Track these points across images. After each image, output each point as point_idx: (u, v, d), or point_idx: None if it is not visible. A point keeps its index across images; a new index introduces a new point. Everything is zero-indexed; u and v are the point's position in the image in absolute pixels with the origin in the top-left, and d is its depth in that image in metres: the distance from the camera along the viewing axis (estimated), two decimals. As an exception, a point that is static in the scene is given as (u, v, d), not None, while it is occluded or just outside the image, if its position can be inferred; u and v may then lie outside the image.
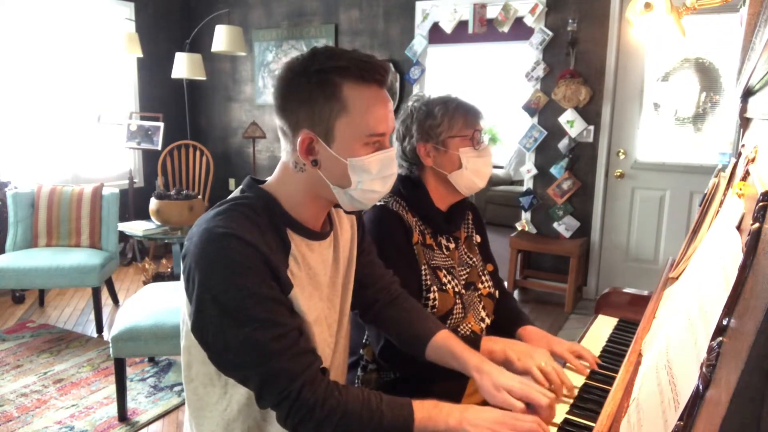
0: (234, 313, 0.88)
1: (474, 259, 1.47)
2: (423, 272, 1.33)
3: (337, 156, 0.93)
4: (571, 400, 1.11)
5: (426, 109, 1.37)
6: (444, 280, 1.36)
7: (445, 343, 1.12)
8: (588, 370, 1.23)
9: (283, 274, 0.93)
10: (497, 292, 1.49)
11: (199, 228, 0.92)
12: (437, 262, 1.38)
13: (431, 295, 1.32)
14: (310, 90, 0.92)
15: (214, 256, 0.89)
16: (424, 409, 0.93)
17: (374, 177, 0.95)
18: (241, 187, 1.02)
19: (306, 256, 1.00)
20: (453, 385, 1.28)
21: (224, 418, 0.99)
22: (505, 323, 1.46)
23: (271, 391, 0.90)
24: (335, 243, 1.09)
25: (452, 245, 1.43)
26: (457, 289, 1.37)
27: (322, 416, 0.89)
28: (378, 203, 1.37)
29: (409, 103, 1.41)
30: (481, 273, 1.47)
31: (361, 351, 1.38)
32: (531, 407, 0.99)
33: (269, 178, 1.02)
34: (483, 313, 1.43)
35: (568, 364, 1.25)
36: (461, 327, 1.38)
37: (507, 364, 1.18)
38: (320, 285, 1.03)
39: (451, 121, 1.34)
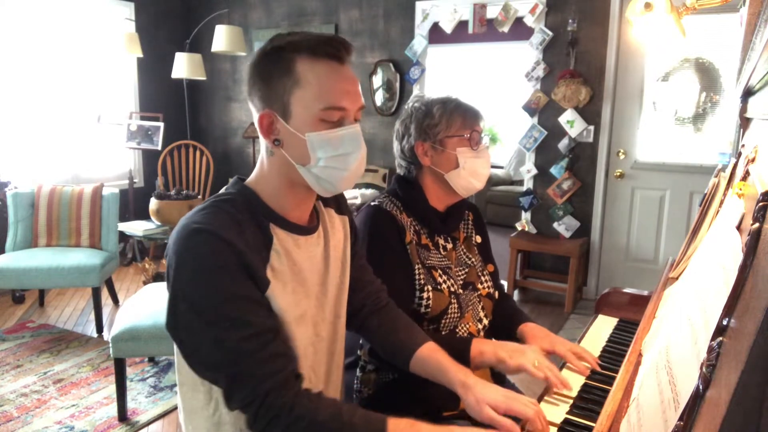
0: (204, 312, 0.87)
1: (473, 260, 1.47)
2: (417, 271, 1.33)
3: (295, 132, 0.92)
4: (570, 399, 1.11)
5: (425, 109, 1.37)
6: (439, 279, 1.35)
7: (431, 357, 1.10)
8: (588, 371, 1.23)
9: (260, 272, 0.91)
10: (497, 293, 1.48)
11: (179, 225, 0.92)
12: (432, 261, 1.37)
13: (425, 294, 1.32)
14: (266, 69, 0.93)
15: (187, 253, 0.88)
16: (398, 428, 0.91)
17: (336, 154, 0.93)
18: (227, 186, 1.02)
19: (291, 252, 0.98)
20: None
21: (213, 422, 0.97)
22: (505, 322, 1.45)
23: (238, 392, 0.88)
24: (325, 241, 1.07)
25: (450, 245, 1.43)
26: (453, 289, 1.37)
27: (288, 422, 0.87)
28: (372, 203, 1.37)
29: (409, 104, 1.42)
30: (480, 273, 1.46)
31: (358, 352, 1.38)
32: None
33: (251, 175, 1.01)
34: (482, 314, 1.43)
35: (568, 364, 1.25)
36: (458, 327, 1.37)
37: (499, 364, 1.18)
38: (306, 282, 1.01)
39: (449, 121, 1.34)
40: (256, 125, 0.96)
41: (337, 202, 1.16)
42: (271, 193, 0.98)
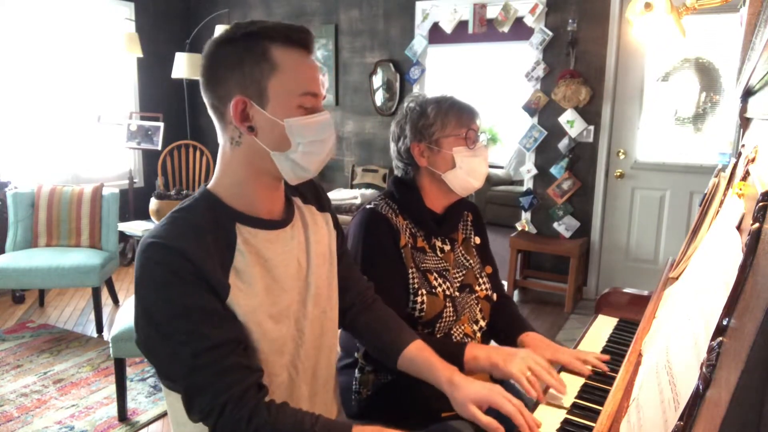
0: (160, 325, 0.87)
1: (471, 261, 1.45)
2: (411, 275, 1.31)
3: (273, 118, 0.91)
4: (571, 400, 1.11)
5: (419, 109, 1.36)
6: (434, 283, 1.34)
7: (418, 355, 1.10)
8: (590, 371, 1.22)
9: (219, 278, 0.89)
10: (495, 294, 1.47)
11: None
12: (428, 264, 1.36)
13: (419, 299, 1.30)
14: (238, 54, 0.92)
15: (142, 267, 0.88)
16: None
17: (315, 139, 0.94)
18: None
19: (260, 249, 0.96)
20: None
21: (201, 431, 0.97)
22: (506, 329, 1.44)
23: (197, 404, 0.87)
24: (306, 236, 1.06)
25: (447, 247, 1.42)
26: (448, 292, 1.35)
27: None
28: (367, 206, 1.36)
29: (405, 104, 1.40)
30: (478, 275, 1.45)
31: (356, 354, 1.37)
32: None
33: (212, 179, 1.00)
34: (479, 316, 1.42)
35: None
36: (454, 330, 1.36)
37: (493, 369, 1.17)
38: (280, 277, 0.98)
39: (443, 120, 1.33)
40: (225, 117, 0.94)
41: (319, 200, 1.14)
42: (235, 191, 0.97)
